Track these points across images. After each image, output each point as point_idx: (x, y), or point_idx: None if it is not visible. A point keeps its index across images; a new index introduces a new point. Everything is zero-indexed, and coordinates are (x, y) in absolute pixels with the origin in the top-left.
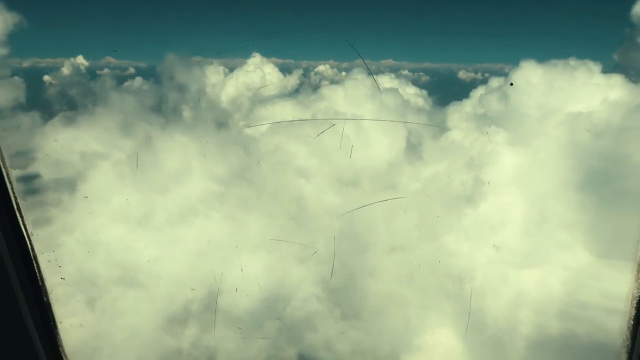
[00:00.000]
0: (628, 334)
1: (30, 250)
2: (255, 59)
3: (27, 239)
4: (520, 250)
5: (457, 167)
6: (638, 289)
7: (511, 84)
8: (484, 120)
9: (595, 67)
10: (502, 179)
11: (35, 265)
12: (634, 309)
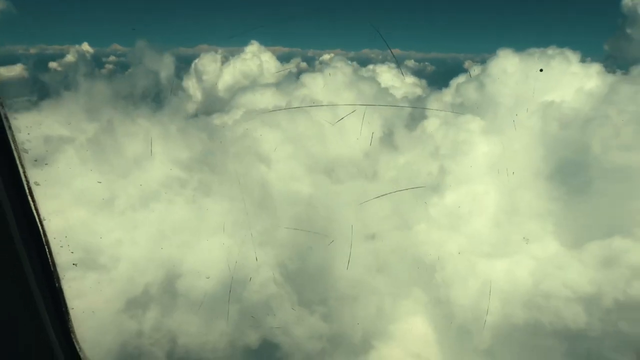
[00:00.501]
0: None
1: (43, 236)
2: (253, 47)
3: (39, 225)
4: (501, 239)
5: (440, 155)
6: None
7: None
8: (462, 108)
9: (574, 56)
10: (476, 168)
11: (47, 251)
12: None
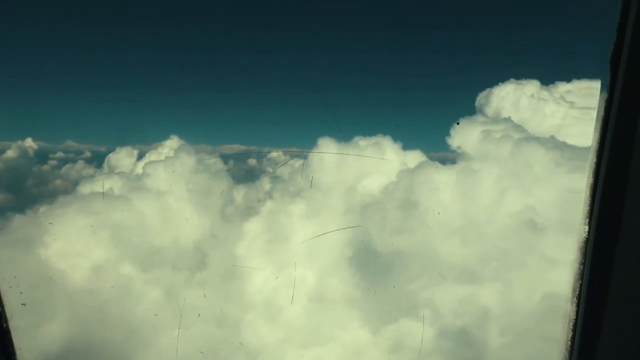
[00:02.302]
0: (566, 353)
1: None
2: (172, 142)
3: None
4: (307, 328)
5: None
6: (573, 312)
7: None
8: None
9: (395, 145)
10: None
11: None
12: (570, 331)
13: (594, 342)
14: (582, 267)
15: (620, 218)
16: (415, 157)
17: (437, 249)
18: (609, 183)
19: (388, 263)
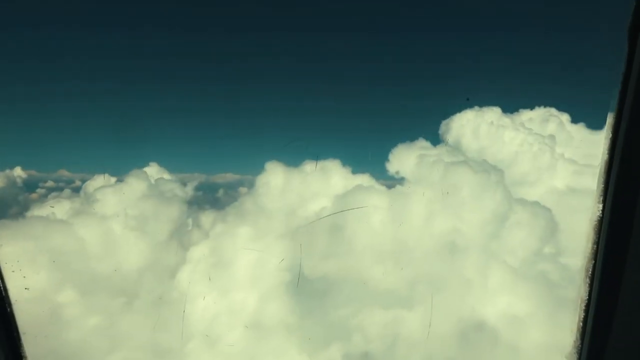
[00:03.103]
0: (578, 335)
1: None
2: (152, 169)
3: None
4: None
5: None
6: (586, 292)
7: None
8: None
9: (344, 169)
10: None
11: None
12: (582, 311)
13: (608, 322)
14: (595, 246)
15: (636, 196)
16: (362, 181)
17: (373, 273)
18: (625, 160)
19: (326, 288)
